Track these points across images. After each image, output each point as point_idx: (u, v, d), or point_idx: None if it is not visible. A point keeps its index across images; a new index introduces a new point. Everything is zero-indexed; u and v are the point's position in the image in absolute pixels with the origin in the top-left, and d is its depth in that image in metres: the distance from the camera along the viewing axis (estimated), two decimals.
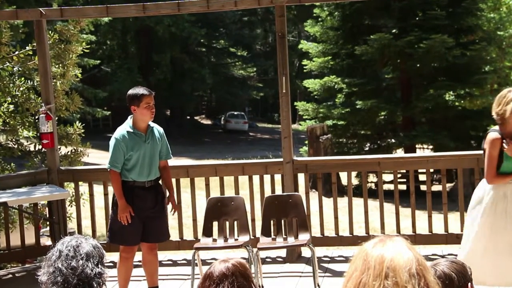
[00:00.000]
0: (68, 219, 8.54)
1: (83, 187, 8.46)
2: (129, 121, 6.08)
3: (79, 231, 8.00)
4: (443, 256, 7.24)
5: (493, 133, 5.43)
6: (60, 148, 8.64)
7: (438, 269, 3.15)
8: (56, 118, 8.19)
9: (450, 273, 3.14)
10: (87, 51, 9.40)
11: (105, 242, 6.66)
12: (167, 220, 6.33)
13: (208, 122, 55.09)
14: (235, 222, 6.76)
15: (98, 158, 17.89)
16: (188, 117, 50.83)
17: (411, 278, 2.30)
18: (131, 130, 6.03)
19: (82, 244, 3.08)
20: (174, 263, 7.71)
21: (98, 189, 8.42)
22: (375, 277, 2.32)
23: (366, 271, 2.35)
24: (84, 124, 9.69)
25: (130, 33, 42.23)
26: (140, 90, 6.02)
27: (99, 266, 3.06)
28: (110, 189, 8.03)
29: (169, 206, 6.31)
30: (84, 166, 9.18)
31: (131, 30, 41.35)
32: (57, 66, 8.78)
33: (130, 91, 6.07)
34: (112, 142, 6.03)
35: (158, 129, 6.24)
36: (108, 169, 6.06)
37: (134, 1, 11.01)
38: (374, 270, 2.34)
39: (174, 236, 7.93)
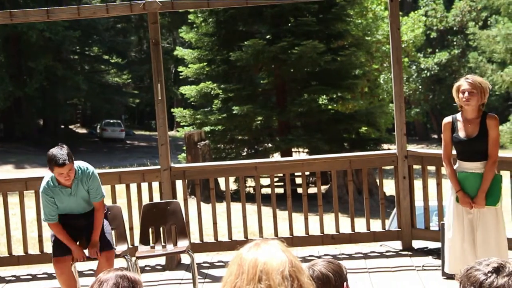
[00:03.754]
0: None
1: None
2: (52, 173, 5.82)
3: None
4: (319, 257, 7.41)
5: (446, 118, 5.85)
6: None
7: (316, 269, 3.21)
8: None
9: (327, 273, 3.21)
10: None
11: None
12: (105, 232, 6.14)
13: (84, 131, 53.84)
14: (113, 232, 6.64)
15: None
16: (63, 126, 49.49)
17: (284, 280, 2.34)
18: (52, 184, 5.84)
19: None
20: (50, 276, 7.46)
21: None
22: (248, 281, 2.34)
23: (240, 275, 2.37)
24: None
25: None
26: (54, 157, 5.60)
27: None
28: None
29: (94, 243, 6.01)
30: None
31: None
32: None
33: (50, 151, 5.68)
34: (40, 195, 5.97)
35: (86, 173, 5.89)
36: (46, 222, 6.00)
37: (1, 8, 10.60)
38: (248, 274, 2.36)
39: (50, 249, 7.73)
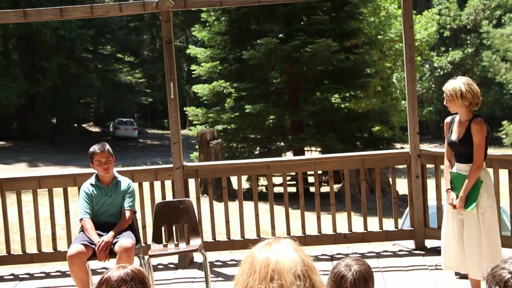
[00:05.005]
0: None
1: None
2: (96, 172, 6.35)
3: None
4: (331, 256, 7.40)
5: (447, 118, 5.91)
6: None
7: (357, 270, 3.21)
8: None
9: (367, 276, 3.23)
10: None
11: None
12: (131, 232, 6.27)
13: (97, 129, 54.02)
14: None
15: None
16: (76, 125, 49.69)
17: (296, 280, 2.33)
18: (94, 183, 6.30)
19: None
20: (64, 274, 7.50)
21: None
22: (260, 280, 2.34)
23: (252, 274, 2.37)
24: None
25: (12, 39, 40.76)
26: (93, 148, 6.21)
27: None
28: None
29: (108, 236, 6.04)
30: None
31: (13, 35, 39.92)
32: None
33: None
34: (80, 192, 6.35)
35: (126, 183, 6.35)
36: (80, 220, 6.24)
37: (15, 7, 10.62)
38: (259, 273, 2.35)
39: (63, 247, 7.76)
